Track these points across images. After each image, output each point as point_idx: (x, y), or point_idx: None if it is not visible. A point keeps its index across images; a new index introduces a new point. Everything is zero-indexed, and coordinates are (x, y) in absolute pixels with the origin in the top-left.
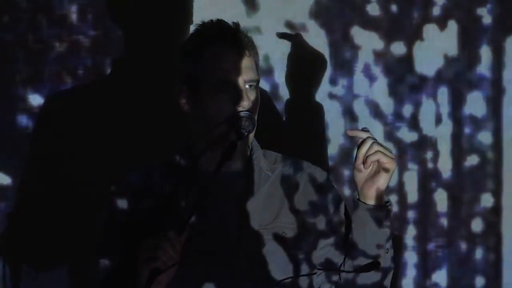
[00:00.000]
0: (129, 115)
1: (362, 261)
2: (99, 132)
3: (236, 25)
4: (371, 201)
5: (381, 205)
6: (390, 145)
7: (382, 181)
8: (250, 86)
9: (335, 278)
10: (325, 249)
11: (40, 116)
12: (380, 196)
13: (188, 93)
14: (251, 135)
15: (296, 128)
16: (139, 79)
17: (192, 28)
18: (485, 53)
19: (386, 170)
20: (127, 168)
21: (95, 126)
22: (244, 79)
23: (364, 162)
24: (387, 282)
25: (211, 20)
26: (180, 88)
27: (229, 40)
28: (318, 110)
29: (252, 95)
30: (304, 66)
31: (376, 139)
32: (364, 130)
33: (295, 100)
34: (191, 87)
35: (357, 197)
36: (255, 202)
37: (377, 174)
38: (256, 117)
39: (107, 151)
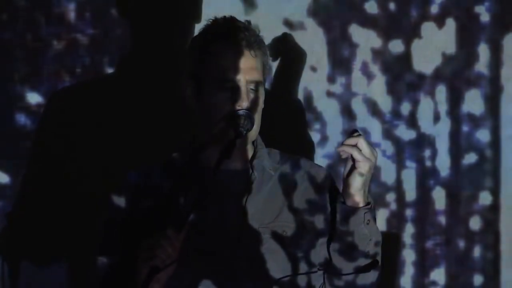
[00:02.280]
0: (130, 114)
1: (362, 261)
2: (100, 131)
3: (246, 24)
4: (349, 203)
5: (360, 208)
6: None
7: (355, 183)
8: (252, 86)
9: (336, 281)
10: (324, 248)
11: (41, 115)
12: (358, 198)
13: (193, 89)
14: (251, 134)
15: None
16: (142, 78)
17: (203, 23)
18: (483, 51)
19: (359, 171)
20: (127, 167)
21: (96, 125)
22: (246, 79)
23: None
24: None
25: (224, 17)
26: (186, 83)
27: (231, 38)
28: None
29: (252, 95)
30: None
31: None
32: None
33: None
34: (196, 83)
35: (342, 199)
36: (257, 201)
37: (351, 174)
38: (256, 116)
39: (108, 151)
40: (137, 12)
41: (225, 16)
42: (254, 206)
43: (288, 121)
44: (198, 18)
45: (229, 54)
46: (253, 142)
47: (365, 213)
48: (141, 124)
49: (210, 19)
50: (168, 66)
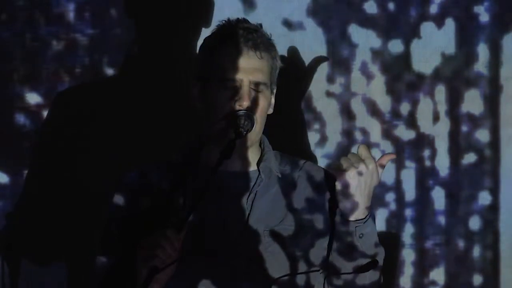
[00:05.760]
0: (131, 114)
1: (361, 261)
2: (100, 131)
3: (257, 26)
4: (349, 205)
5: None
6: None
7: (352, 181)
8: (255, 87)
9: (335, 280)
10: (323, 248)
11: (42, 116)
12: (358, 197)
13: (199, 89)
14: (252, 135)
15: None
16: (142, 78)
17: (202, 23)
18: (483, 51)
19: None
20: (127, 167)
21: (96, 125)
22: (249, 79)
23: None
24: (381, 279)
25: (237, 18)
26: (193, 83)
27: (237, 39)
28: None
29: (255, 95)
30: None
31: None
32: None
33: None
34: (201, 83)
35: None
36: (263, 203)
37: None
38: (258, 118)
39: (108, 150)
40: (138, 12)
41: (238, 18)
42: (259, 209)
43: (288, 121)
44: (198, 18)
45: (232, 53)
46: (260, 145)
47: (356, 227)
48: (141, 124)
49: (223, 20)
50: (169, 66)
